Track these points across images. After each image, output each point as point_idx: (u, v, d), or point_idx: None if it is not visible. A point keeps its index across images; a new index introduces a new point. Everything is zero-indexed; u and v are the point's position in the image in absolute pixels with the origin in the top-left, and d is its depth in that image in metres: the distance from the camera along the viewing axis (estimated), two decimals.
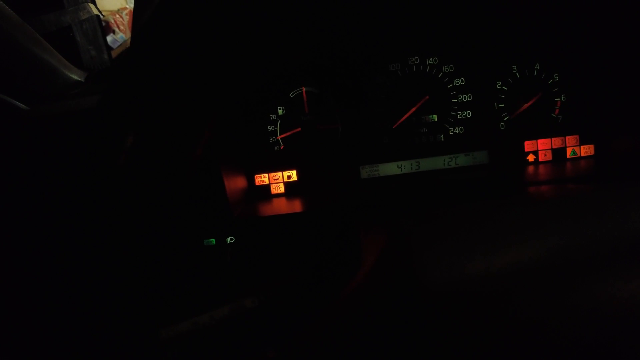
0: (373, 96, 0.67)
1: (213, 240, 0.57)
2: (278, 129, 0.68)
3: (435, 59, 0.66)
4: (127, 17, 2.32)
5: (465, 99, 0.67)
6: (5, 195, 0.57)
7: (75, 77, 0.73)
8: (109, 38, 1.47)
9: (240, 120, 0.67)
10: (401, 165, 0.68)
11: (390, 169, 0.68)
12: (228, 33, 0.25)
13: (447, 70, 0.66)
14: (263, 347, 0.32)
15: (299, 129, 0.67)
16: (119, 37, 2.40)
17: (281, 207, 0.66)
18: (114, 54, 1.20)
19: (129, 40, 2.36)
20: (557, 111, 0.68)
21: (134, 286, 0.40)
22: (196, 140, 0.28)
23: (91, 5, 0.70)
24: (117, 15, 2.41)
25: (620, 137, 0.66)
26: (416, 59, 0.66)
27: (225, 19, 0.23)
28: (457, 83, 0.67)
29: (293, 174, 0.69)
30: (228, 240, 0.57)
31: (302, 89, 0.66)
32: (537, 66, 0.67)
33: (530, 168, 0.67)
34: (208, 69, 0.23)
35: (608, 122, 0.67)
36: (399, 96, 0.66)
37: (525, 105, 0.66)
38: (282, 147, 0.68)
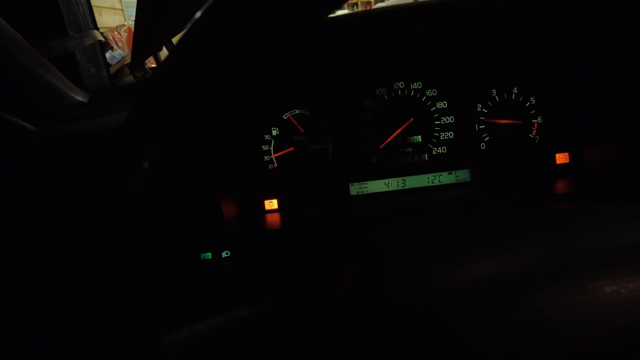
0: (361, 118, 0.71)
1: (209, 254, 0.60)
2: (272, 148, 0.71)
3: (419, 84, 0.71)
4: (126, 34, 2.36)
5: (447, 120, 0.71)
6: (15, 214, 0.60)
7: (79, 98, 0.76)
8: (107, 55, 1.51)
9: (236, 140, 0.70)
10: (388, 183, 0.72)
11: (378, 186, 0.72)
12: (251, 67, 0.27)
13: (430, 94, 0.71)
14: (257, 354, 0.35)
15: (292, 148, 0.71)
16: (117, 53, 2.45)
17: (274, 222, 0.70)
18: (112, 70, 1.25)
19: (128, 57, 2.41)
20: (534, 132, 0.72)
21: (136, 296, 0.43)
22: (205, 161, 0.31)
23: (95, 31, 0.74)
24: (116, 32, 2.46)
25: (593, 149, 0.70)
26: (401, 84, 0.71)
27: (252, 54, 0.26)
28: (440, 106, 0.71)
29: (286, 191, 0.72)
30: (224, 254, 0.60)
31: (295, 112, 0.71)
32: (515, 90, 0.71)
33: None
34: (226, 97, 0.26)
35: (581, 138, 0.71)
36: (385, 118, 0.71)
37: (502, 121, 0.71)
38: (275, 165, 0.72)
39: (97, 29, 0.92)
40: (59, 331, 0.62)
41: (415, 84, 0.71)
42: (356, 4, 5.91)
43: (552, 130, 0.72)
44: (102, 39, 0.76)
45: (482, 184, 0.72)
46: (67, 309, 0.63)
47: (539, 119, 0.72)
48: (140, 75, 1.80)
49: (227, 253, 0.60)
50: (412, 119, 0.71)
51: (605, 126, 0.69)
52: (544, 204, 0.66)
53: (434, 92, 0.71)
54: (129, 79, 1.69)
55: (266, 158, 0.72)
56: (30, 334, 0.63)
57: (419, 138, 0.71)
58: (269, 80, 0.69)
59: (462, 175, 0.72)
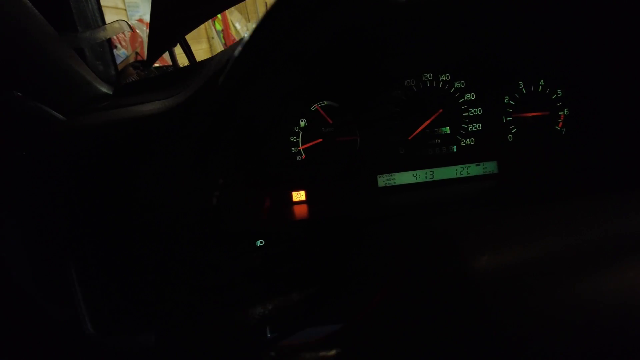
0: (390, 110, 0.71)
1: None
2: (300, 139, 0.71)
3: (447, 75, 0.71)
4: (129, 33, 2.37)
5: (475, 112, 0.72)
6: (50, 201, 0.60)
7: (104, 90, 0.76)
8: None
9: (266, 132, 0.70)
10: (416, 175, 0.72)
11: (406, 178, 0.72)
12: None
13: (458, 85, 0.71)
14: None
15: (320, 140, 0.71)
16: (120, 52, 2.45)
17: (302, 213, 0.69)
18: None
19: (131, 57, 2.39)
20: (560, 124, 0.72)
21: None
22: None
23: (124, 22, 0.74)
24: None
25: (619, 140, 0.71)
26: (430, 75, 0.71)
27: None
28: (468, 98, 0.71)
29: (313, 183, 0.72)
30: (258, 243, 0.60)
31: (323, 103, 0.71)
32: (542, 82, 0.71)
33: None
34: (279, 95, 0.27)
35: (608, 129, 0.72)
36: (414, 110, 0.71)
37: (530, 114, 0.71)
38: (303, 157, 0.72)
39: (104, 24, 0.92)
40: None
41: (443, 75, 0.71)
42: None
43: (579, 123, 0.72)
44: (129, 30, 0.75)
45: (510, 176, 0.72)
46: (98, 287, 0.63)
47: (565, 111, 0.72)
48: (143, 75, 1.79)
49: (261, 242, 0.60)
50: (441, 110, 0.71)
51: (632, 117, 0.69)
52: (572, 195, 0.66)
53: (462, 84, 0.71)
54: (133, 78, 1.68)
55: (294, 150, 0.72)
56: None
57: (448, 129, 0.72)
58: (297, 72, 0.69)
59: (490, 167, 0.72)
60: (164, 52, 1.06)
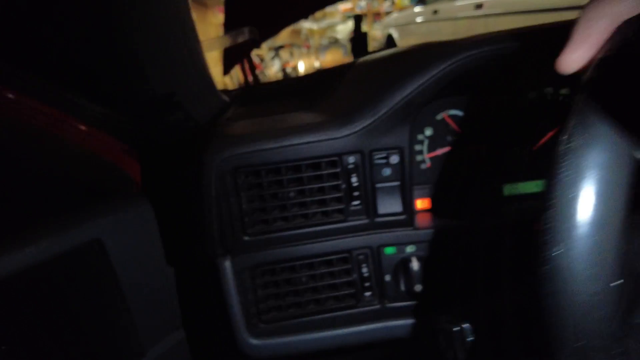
0: (515, 120, 0.72)
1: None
2: (425, 148, 0.72)
3: (567, 90, 0.73)
4: None
5: None
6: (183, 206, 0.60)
7: (225, 98, 0.77)
8: None
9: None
10: (540, 184, 0.73)
11: (530, 187, 0.73)
12: None
13: None
14: None
15: (448, 148, 0.72)
16: None
17: (426, 221, 0.70)
18: None
19: None
20: None
21: None
22: None
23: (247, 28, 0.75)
24: None
25: None
26: (551, 89, 0.73)
27: None
28: None
29: (438, 191, 0.73)
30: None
31: (449, 112, 0.72)
32: None
33: None
34: None
35: None
36: (538, 121, 0.73)
37: None
38: (429, 165, 0.73)
39: None
40: None
41: (563, 89, 0.73)
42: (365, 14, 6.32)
43: None
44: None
45: None
46: None
47: None
48: None
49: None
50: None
51: None
52: None
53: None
54: None
55: (419, 158, 0.73)
56: None
57: None
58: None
59: None
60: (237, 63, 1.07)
